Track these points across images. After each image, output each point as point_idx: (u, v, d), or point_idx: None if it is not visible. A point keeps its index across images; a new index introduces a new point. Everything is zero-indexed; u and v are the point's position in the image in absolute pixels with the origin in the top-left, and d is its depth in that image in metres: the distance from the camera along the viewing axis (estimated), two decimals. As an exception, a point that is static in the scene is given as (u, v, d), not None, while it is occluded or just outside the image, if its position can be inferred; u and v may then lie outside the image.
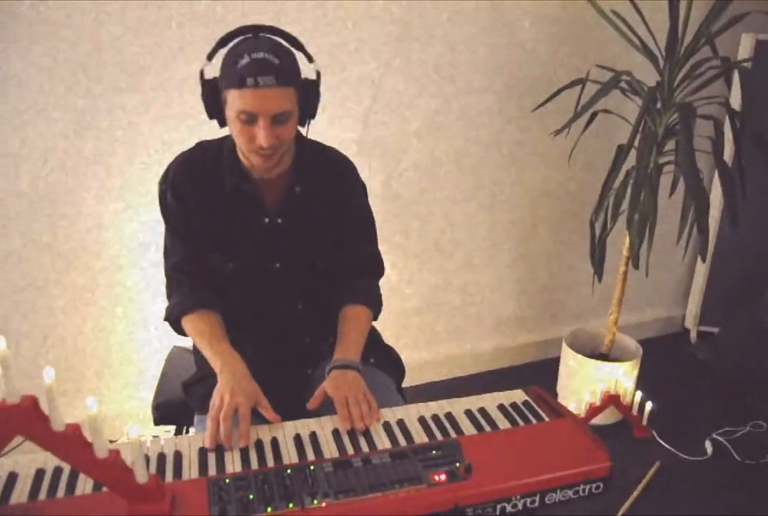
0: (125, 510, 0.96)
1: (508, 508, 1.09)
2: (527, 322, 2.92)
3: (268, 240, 1.41)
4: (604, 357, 2.53)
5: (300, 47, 1.32)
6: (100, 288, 2.17)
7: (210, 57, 1.31)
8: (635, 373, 2.49)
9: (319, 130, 1.54)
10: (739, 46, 2.62)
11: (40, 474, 1.07)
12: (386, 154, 2.36)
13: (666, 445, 2.41)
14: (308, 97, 1.31)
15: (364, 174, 1.53)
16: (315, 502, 1.00)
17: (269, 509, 0.98)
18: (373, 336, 1.57)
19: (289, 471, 1.06)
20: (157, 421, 1.52)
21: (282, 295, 1.45)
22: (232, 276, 1.41)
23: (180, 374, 1.53)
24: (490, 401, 1.33)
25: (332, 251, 1.46)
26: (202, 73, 1.29)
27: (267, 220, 1.40)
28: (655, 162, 2.13)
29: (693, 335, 3.19)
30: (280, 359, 1.41)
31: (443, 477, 1.07)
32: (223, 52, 1.29)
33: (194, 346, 1.57)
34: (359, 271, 1.52)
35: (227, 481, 1.04)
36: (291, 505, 0.99)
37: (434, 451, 1.13)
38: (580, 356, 2.46)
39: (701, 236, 2.04)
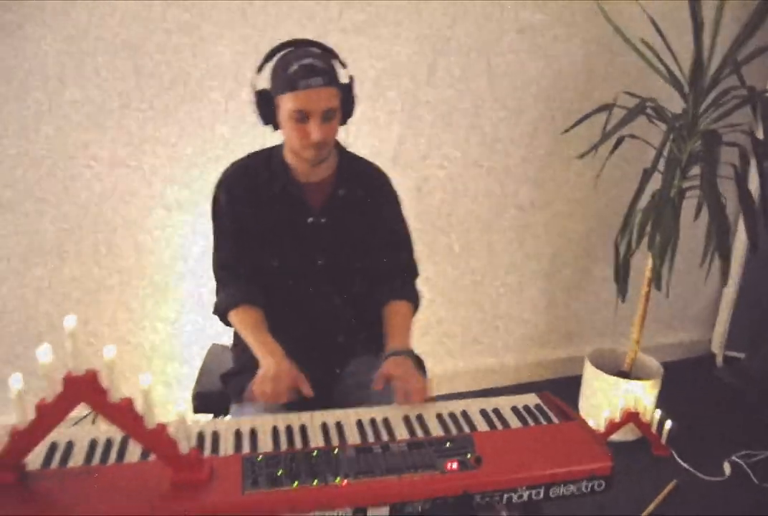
0: (169, 477, 1.07)
1: (514, 498, 1.18)
2: (550, 338, 2.99)
3: (311, 238, 1.55)
4: (626, 375, 2.59)
5: (334, 55, 1.48)
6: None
7: (259, 69, 1.47)
8: (656, 391, 2.54)
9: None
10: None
11: (93, 443, 1.20)
12: (414, 169, 2.48)
13: (684, 465, 2.45)
14: (347, 97, 1.47)
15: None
16: (337, 480, 1.10)
17: (295, 483, 1.09)
18: None
19: (315, 453, 1.17)
20: (197, 409, 1.65)
21: (321, 291, 1.58)
22: (276, 273, 1.54)
23: (218, 368, 1.66)
24: (504, 402, 1.42)
25: (370, 254, 1.60)
26: (254, 86, 1.46)
27: (311, 219, 1.54)
28: (679, 186, 2.21)
29: (719, 359, 3.21)
30: (312, 355, 1.52)
31: (455, 465, 1.16)
32: (268, 65, 1.45)
33: (233, 344, 1.70)
34: (397, 274, 1.65)
35: (259, 458, 1.15)
36: (315, 482, 1.09)
37: (448, 443, 1.23)
38: (601, 373, 2.52)
39: (722, 261, 2.10)
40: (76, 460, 1.15)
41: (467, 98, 2.44)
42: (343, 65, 1.48)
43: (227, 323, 1.57)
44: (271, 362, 1.38)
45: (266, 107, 1.45)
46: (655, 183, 2.23)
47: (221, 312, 1.55)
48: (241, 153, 1.62)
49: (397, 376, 1.41)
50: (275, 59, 1.45)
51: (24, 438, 1.04)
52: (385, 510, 1.12)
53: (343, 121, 1.50)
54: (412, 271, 1.69)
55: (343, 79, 1.46)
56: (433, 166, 2.50)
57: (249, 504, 1.05)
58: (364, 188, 1.58)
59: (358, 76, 1.51)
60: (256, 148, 1.62)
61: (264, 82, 1.45)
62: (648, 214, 2.28)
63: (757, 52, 2.19)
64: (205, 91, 2.15)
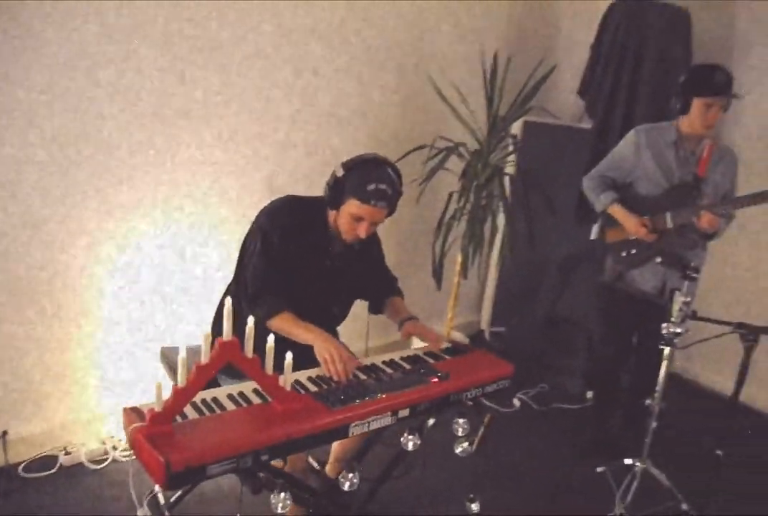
0: (279, 409, 1.57)
1: (469, 395, 1.90)
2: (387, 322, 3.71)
3: (326, 277, 2.09)
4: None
5: (399, 174, 2.00)
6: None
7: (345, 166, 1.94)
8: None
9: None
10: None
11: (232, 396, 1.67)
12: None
13: (489, 404, 3.37)
14: (394, 207, 2.02)
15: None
16: (379, 395, 1.71)
17: (357, 400, 1.67)
18: None
19: (359, 381, 1.77)
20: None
21: (324, 309, 2.14)
22: (297, 293, 2.01)
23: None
24: (421, 349, 2.13)
25: (370, 281, 2.23)
26: (334, 173, 1.95)
27: (329, 263, 2.09)
28: (478, 204, 3.17)
29: (486, 334, 4.29)
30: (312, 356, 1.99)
31: (435, 380, 1.84)
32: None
33: None
34: (392, 283, 2.31)
35: (324, 392, 1.70)
36: (367, 398, 1.69)
37: (422, 370, 1.90)
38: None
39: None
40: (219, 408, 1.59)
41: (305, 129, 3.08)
42: (401, 184, 1.99)
43: (267, 327, 1.93)
44: (325, 337, 1.89)
45: (337, 194, 1.93)
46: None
47: (267, 317, 1.94)
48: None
49: (417, 333, 2.09)
50: (358, 165, 1.93)
51: (182, 394, 1.47)
52: (407, 411, 1.75)
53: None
54: (396, 280, 2.34)
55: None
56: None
57: (335, 417, 1.61)
58: (368, 242, 2.14)
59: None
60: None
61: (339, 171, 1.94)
62: (450, 223, 3.20)
63: (522, 113, 3.26)
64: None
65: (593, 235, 3.57)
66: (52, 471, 2.50)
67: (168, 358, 2.30)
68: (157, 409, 1.45)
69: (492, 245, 3.58)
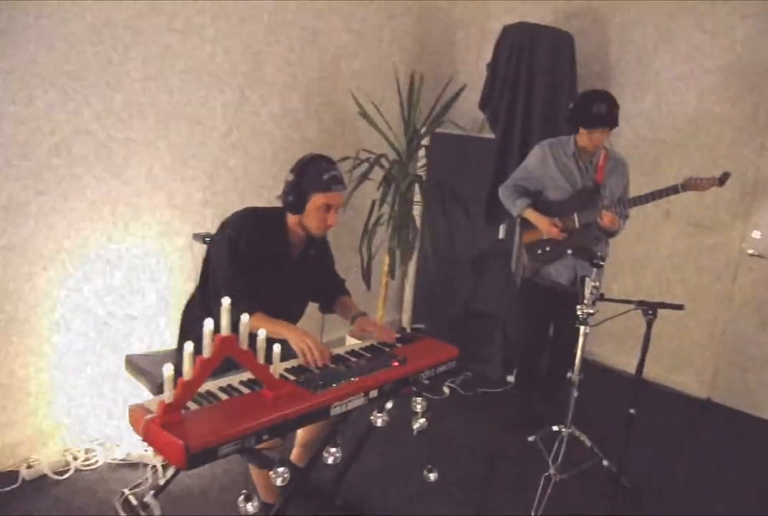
0: (270, 395, 1.78)
1: (424, 376, 2.17)
2: (319, 324, 3.92)
3: (288, 275, 2.29)
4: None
5: (334, 162, 2.26)
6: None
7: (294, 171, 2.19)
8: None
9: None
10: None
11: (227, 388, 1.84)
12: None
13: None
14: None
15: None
16: (352, 379, 1.95)
17: (334, 384, 1.90)
18: None
19: (332, 367, 2.00)
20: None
21: (287, 304, 2.35)
22: (263, 294, 2.19)
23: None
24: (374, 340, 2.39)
25: (322, 281, 2.47)
26: (287, 180, 2.19)
27: (289, 266, 2.31)
28: (400, 210, 3.46)
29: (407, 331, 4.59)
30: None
31: (397, 364, 2.10)
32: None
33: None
34: (340, 283, 2.54)
35: (301, 379, 1.92)
36: (342, 382, 1.92)
37: (383, 356, 2.16)
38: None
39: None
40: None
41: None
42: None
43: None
44: (298, 331, 2.09)
45: (298, 196, 2.16)
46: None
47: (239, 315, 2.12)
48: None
49: (370, 328, 2.33)
50: (306, 165, 2.18)
51: (189, 386, 1.64)
52: (376, 392, 2.00)
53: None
54: (344, 281, 2.57)
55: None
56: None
57: (318, 399, 1.83)
58: (322, 247, 2.44)
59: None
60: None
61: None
62: (374, 229, 3.48)
63: (435, 126, 3.60)
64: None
65: (501, 235, 3.99)
66: (15, 486, 2.53)
67: (133, 364, 2.43)
68: (167, 400, 1.62)
69: (413, 247, 3.89)
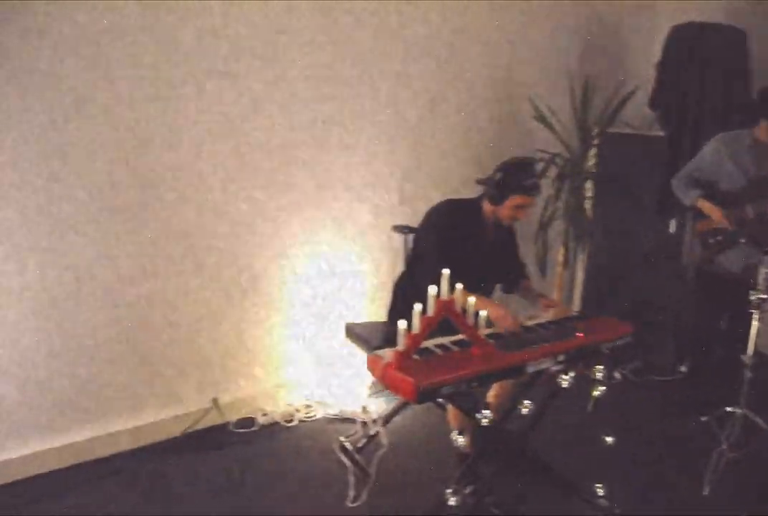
0: (477, 352, 2.16)
1: (604, 348, 2.45)
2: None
3: (483, 260, 2.68)
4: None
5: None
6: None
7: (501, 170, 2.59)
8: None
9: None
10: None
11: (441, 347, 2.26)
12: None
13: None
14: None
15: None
16: (544, 343, 2.28)
17: (531, 346, 2.25)
18: None
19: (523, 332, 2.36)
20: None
21: (483, 281, 2.73)
22: (461, 275, 2.50)
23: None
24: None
25: (506, 261, 2.85)
26: (493, 176, 2.59)
27: (485, 249, 2.70)
28: (576, 204, 3.74)
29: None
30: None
31: (581, 334, 2.41)
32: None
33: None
34: (523, 268, 2.92)
35: (499, 341, 2.28)
36: (533, 346, 2.26)
37: (565, 327, 2.47)
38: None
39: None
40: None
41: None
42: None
43: None
44: (495, 304, 2.48)
45: (500, 192, 2.55)
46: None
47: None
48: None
49: (553, 304, 2.71)
50: (514, 167, 2.57)
51: (416, 338, 2.07)
52: (563, 356, 2.32)
53: None
54: (526, 266, 2.95)
55: None
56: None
57: (516, 357, 2.19)
58: (510, 233, 2.84)
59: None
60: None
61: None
62: (548, 223, 3.77)
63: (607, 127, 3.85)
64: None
65: (672, 229, 4.13)
66: (255, 428, 3.15)
67: (352, 331, 2.93)
68: (401, 349, 2.05)
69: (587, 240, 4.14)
